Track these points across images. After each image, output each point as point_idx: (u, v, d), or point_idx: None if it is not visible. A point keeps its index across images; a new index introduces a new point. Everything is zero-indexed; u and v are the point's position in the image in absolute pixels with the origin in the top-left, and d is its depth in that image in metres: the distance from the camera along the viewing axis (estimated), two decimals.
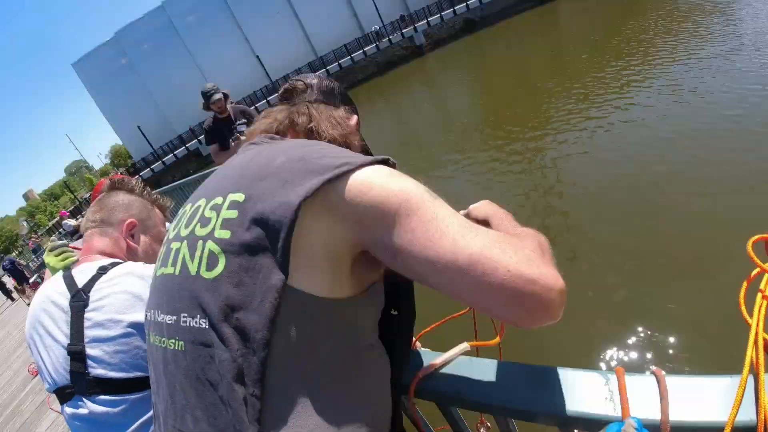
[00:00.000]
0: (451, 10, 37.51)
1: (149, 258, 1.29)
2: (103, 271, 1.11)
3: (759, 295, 0.84)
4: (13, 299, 16.70)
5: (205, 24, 44.19)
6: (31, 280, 10.12)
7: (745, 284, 0.89)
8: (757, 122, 5.16)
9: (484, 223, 0.77)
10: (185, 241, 0.65)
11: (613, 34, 13.76)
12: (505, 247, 0.54)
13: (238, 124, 4.31)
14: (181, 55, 44.26)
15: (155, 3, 44.28)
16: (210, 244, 0.61)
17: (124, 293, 1.05)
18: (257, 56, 43.74)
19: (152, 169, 36.13)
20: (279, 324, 0.57)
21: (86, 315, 1.04)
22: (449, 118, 13.07)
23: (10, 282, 17.91)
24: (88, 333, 1.02)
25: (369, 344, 0.68)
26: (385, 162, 0.66)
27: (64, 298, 1.09)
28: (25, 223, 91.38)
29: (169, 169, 36.13)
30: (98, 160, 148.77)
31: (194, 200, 0.71)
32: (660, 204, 4.41)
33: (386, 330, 0.75)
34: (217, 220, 0.62)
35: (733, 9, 11.42)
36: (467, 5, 37.52)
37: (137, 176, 35.54)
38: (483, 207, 0.84)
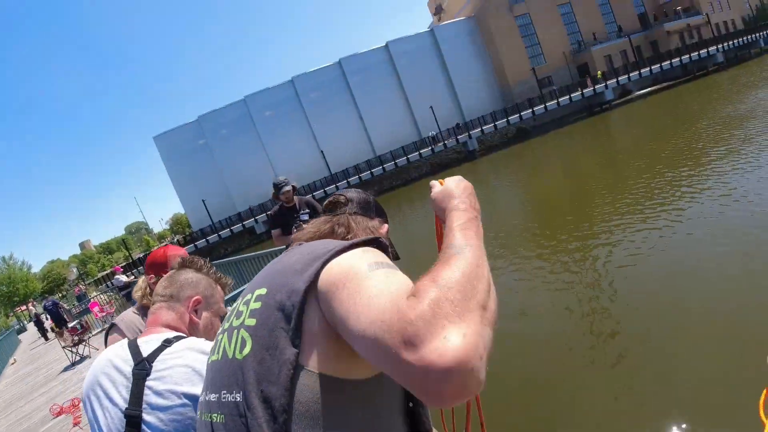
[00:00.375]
0: (505, 120, 39.64)
1: (208, 332, 1.37)
2: (167, 343, 1.18)
3: None
4: (47, 338, 17.31)
5: (279, 119, 49.09)
6: (70, 325, 10.68)
7: (764, 393, 1.17)
8: None
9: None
10: (226, 332, 0.80)
11: (664, 144, 14.19)
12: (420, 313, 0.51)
13: (302, 213, 4.61)
14: (253, 143, 48.72)
15: (238, 96, 49.68)
16: (242, 332, 0.75)
17: (185, 367, 1.11)
18: (321, 150, 47.43)
19: (207, 240, 38.23)
20: (295, 393, 0.66)
21: (147, 383, 1.10)
22: (498, 218, 13.44)
23: (48, 322, 18.81)
24: (147, 400, 1.08)
25: (387, 426, 0.74)
26: (371, 242, 0.78)
27: (127, 365, 1.15)
28: (75, 270, 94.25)
29: (223, 241, 38.17)
30: (158, 224, 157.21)
31: (243, 296, 0.86)
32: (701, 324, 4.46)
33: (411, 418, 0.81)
34: (246, 311, 0.77)
35: None
36: (520, 116, 39.63)
37: (192, 247, 37.59)
38: (455, 215, 0.80)
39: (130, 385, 1.11)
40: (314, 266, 0.70)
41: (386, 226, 1.11)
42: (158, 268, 2.14)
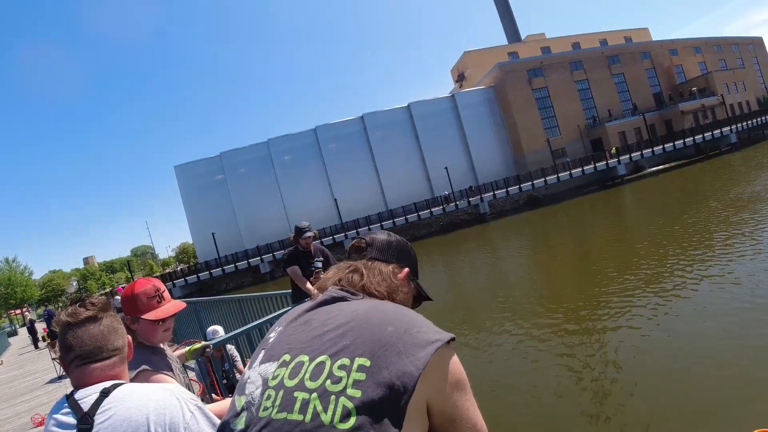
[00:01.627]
0: (518, 186, 40.29)
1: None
2: (105, 394, 1.15)
3: None
4: (37, 347, 17.21)
5: (298, 164, 50.43)
6: None
7: None
8: None
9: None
10: (315, 393, 0.78)
11: (674, 221, 14.52)
12: None
13: (315, 261, 4.83)
14: (270, 184, 49.83)
15: (260, 138, 51.30)
16: (343, 400, 0.75)
17: (124, 420, 1.11)
18: (335, 199, 48.32)
19: (211, 273, 38.39)
20: None
21: None
22: (502, 285, 13.47)
23: (41, 330, 18.64)
24: None
25: None
26: (453, 339, 0.89)
27: (71, 419, 1.14)
28: (75, 283, 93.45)
29: (226, 276, 38.27)
30: (165, 250, 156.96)
31: (310, 352, 0.86)
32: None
33: None
34: (348, 379, 0.77)
35: None
36: (533, 184, 40.29)
37: (195, 278, 37.61)
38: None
39: None
40: (423, 354, 0.79)
41: (406, 270, 1.13)
42: (128, 307, 2.01)
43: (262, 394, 0.85)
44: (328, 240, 38.15)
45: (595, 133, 53.09)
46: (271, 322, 4.55)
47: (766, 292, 6.81)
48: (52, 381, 8.71)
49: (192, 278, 38.69)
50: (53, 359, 9.21)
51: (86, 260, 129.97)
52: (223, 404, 1.80)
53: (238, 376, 3.91)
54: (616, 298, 8.52)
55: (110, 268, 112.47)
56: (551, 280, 12.37)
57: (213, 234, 42.42)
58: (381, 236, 1.18)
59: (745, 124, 45.46)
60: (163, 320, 1.99)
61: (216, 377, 4.44)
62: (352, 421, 0.73)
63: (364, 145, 51.58)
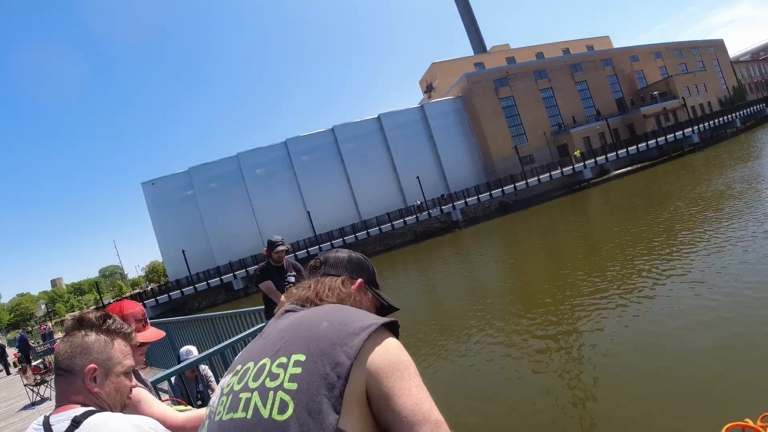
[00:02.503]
0: (488, 193, 40.99)
1: (115, 398, 1.29)
2: (75, 424, 1.12)
3: None
4: (9, 372, 16.50)
5: (269, 177, 49.90)
6: (33, 364, 10.30)
7: None
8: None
9: None
10: (256, 392, 0.83)
11: (639, 221, 15.10)
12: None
13: (288, 275, 4.79)
14: (241, 199, 49.11)
15: (230, 152, 50.56)
16: (281, 394, 0.80)
17: None
18: (308, 211, 47.99)
19: (182, 291, 37.38)
20: None
21: None
22: (476, 290, 13.64)
23: (11, 355, 17.89)
24: None
25: None
26: (393, 324, 0.92)
27: None
28: (43, 306, 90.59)
29: (198, 294, 37.37)
30: (134, 270, 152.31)
31: (256, 358, 0.91)
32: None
33: None
34: (285, 375, 0.82)
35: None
36: (503, 191, 41.06)
37: (166, 297, 36.69)
38: None
39: None
40: (356, 342, 0.83)
41: (358, 281, 1.20)
42: None
43: (217, 401, 0.91)
44: (302, 253, 37.85)
45: (561, 139, 54.55)
46: (245, 340, 4.50)
47: (731, 289, 7.11)
48: (25, 408, 8.40)
49: (163, 297, 37.63)
50: (25, 385, 8.89)
51: (54, 282, 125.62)
52: (199, 413, 1.83)
53: (213, 396, 3.86)
54: (587, 300, 8.75)
55: (78, 289, 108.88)
56: (524, 284, 12.60)
57: (183, 251, 41.45)
58: (336, 254, 1.26)
59: (706, 124, 47.02)
60: (142, 345, 1.99)
61: (190, 398, 4.37)
62: (289, 412, 0.77)
63: (335, 157, 51.55)
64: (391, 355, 0.85)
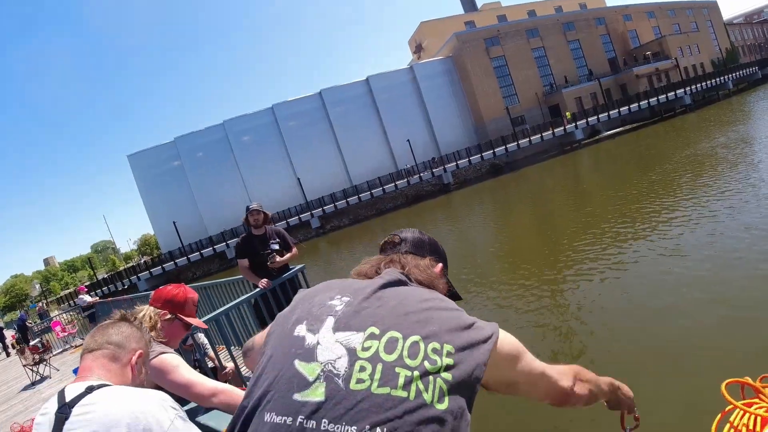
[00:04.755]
0: (479, 155, 40.77)
1: (141, 385, 1.41)
2: (89, 390, 1.21)
3: (727, 425, 1.27)
4: (8, 354, 16.60)
5: (257, 145, 49.25)
6: (31, 343, 10.37)
7: (719, 416, 1.32)
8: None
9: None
10: (416, 371, 0.79)
11: (629, 183, 15.02)
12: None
13: (271, 243, 4.59)
14: (229, 167, 48.58)
15: (216, 120, 49.67)
16: (440, 382, 0.78)
17: (102, 416, 1.15)
18: (298, 178, 47.50)
19: (176, 263, 37.39)
20: None
21: (65, 427, 1.14)
22: (470, 250, 13.70)
23: (9, 336, 18.05)
24: None
25: None
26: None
27: (53, 407, 1.21)
28: (38, 286, 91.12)
29: (192, 265, 37.39)
30: (126, 244, 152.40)
31: (402, 330, 0.85)
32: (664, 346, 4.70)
33: None
34: (441, 362, 0.80)
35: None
36: (494, 152, 40.89)
37: (160, 269, 36.70)
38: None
39: (52, 428, 1.16)
40: (486, 348, 0.86)
41: (440, 265, 1.17)
42: (175, 306, 2.17)
43: (352, 364, 0.80)
44: (294, 220, 37.72)
45: (553, 99, 54.02)
46: (238, 306, 4.42)
47: (725, 252, 7.16)
48: (25, 388, 8.38)
49: (157, 270, 37.57)
50: (24, 366, 8.84)
51: (47, 261, 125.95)
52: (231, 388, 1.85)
53: (210, 363, 3.81)
54: (580, 261, 8.79)
55: (71, 267, 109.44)
56: (516, 245, 12.64)
57: (174, 223, 41.10)
58: (413, 233, 1.22)
59: (699, 86, 46.80)
60: (190, 329, 2.22)
61: None
62: (446, 402, 0.77)
63: (324, 121, 50.77)
64: (509, 349, 0.94)
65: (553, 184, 23.85)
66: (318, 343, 0.84)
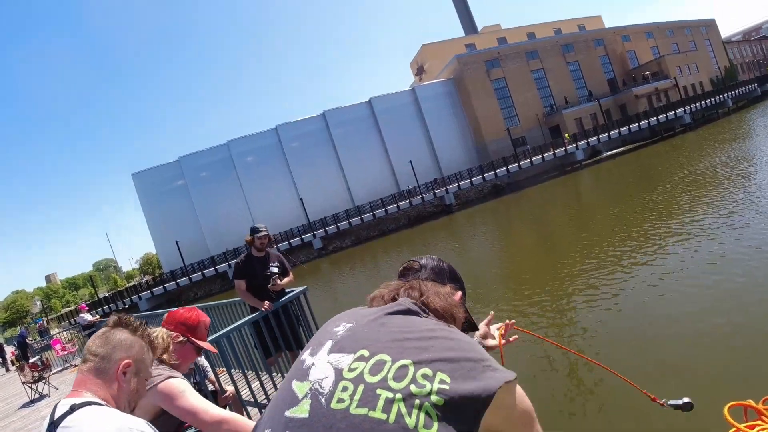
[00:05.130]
0: (481, 176, 40.97)
1: (133, 397, 1.38)
2: (71, 410, 1.20)
3: None
4: (8, 370, 16.54)
5: (261, 165, 49.65)
6: (31, 360, 10.32)
7: None
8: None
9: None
10: (399, 394, 0.76)
11: (629, 204, 15.10)
12: None
13: (271, 266, 4.58)
14: (233, 187, 48.90)
15: (220, 140, 50.14)
16: (427, 407, 0.75)
17: None
18: (301, 198, 47.79)
19: (177, 283, 37.27)
20: None
21: None
22: (472, 270, 13.68)
23: (9, 352, 18.02)
24: None
25: None
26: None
27: (45, 424, 1.22)
28: (39, 303, 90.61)
29: (194, 285, 37.28)
30: (128, 263, 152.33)
31: (391, 353, 0.84)
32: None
33: None
34: (432, 387, 0.77)
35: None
36: (495, 173, 41.04)
37: (162, 289, 36.62)
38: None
39: None
40: (494, 384, 0.80)
41: (459, 293, 1.16)
42: (188, 329, 2.19)
43: (336, 384, 0.81)
44: (296, 240, 37.75)
45: (553, 120, 54.46)
46: (240, 329, 4.43)
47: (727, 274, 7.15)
48: (24, 406, 8.36)
49: (158, 290, 37.47)
50: (23, 383, 8.83)
51: (48, 278, 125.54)
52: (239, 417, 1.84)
53: (210, 386, 3.81)
54: (579, 282, 8.78)
55: (73, 284, 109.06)
56: (518, 265, 12.63)
57: (177, 242, 41.21)
58: (432, 260, 1.21)
59: (698, 104, 46.91)
60: (201, 353, 2.20)
61: None
62: (434, 429, 0.72)
63: (327, 142, 51.25)
64: (523, 405, 0.88)
65: (554, 205, 23.89)
66: (313, 364, 0.87)
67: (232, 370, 4.21)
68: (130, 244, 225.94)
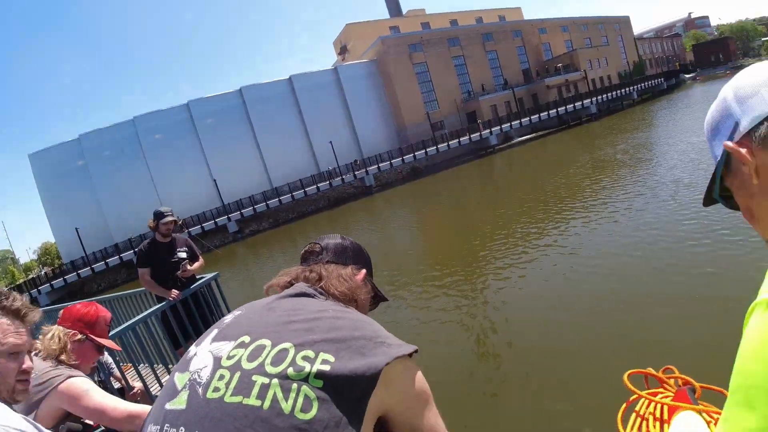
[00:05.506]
0: (401, 158, 41.74)
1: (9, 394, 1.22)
2: None
3: (633, 415, 1.30)
4: None
5: (170, 143, 46.35)
6: None
7: (624, 405, 1.36)
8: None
9: None
10: (276, 379, 0.74)
11: (538, 186, 16.24)
12: None
13: (178, 251, 4.39)
14: (138, 168, 45.31)
15: (126, 117, 46.18)
16: (306, 389, 0.73)
17: None
18: (214, 180, 45.14)
19: (79, 274, 34.15)
20: None
21: None
22: (391, 250, 13.98)
23: None
24: None
25: None
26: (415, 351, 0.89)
27: None
28: None
29: (96, 276, 34.36)
30: (26, 254, 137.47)
31: (272, 337, 0.81)
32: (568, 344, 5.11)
33: None
34: (311, 369, 0.75)
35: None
36: (414, 156, 42.05)
37: (62, 281, 33.48)
38: None
39: None
40: (384, 359, 0.79)
41: (363, 271, 1.13)
42: (86, 325, 2.06)
43: (213, 373, 0.78)
44: (209, 224, 35.91)
45: (470, 106, 56.47)
46: (145, 320, 4.21)
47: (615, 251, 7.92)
48: None
49: (59, 282, 33.85)
50: None
51: None
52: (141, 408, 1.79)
53: (116, 384, 3.61)
54: (496, 260, 9.31)
55: None
56: (434, 245, 13.13)
57: (77, 229, 37.51)
58: (334, 240, 1.17)
59: (604, 96, 51.12)
60: (102, 351, 2.08)
61: None
62: (314, 412, 0.71)
63: (243, 120, 49.07)
64: (418, 383, 0.86)
65: (469, 187, 25.03)
66: (195, 354, 0.85)
67: (140, 365, 4.01)
68: (28, 233, 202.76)
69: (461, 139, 44.06)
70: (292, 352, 0.78)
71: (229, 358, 0.80)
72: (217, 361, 0.80)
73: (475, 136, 43.92)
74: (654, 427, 1.21)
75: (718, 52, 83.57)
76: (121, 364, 3.73)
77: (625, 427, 1.26)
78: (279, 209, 38.01)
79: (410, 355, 0.85)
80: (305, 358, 0.76)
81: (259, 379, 0.75)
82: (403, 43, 54.68)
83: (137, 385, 3.62)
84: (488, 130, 44.32)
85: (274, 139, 49.30)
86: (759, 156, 0.63)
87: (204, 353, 0.84)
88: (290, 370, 0.75)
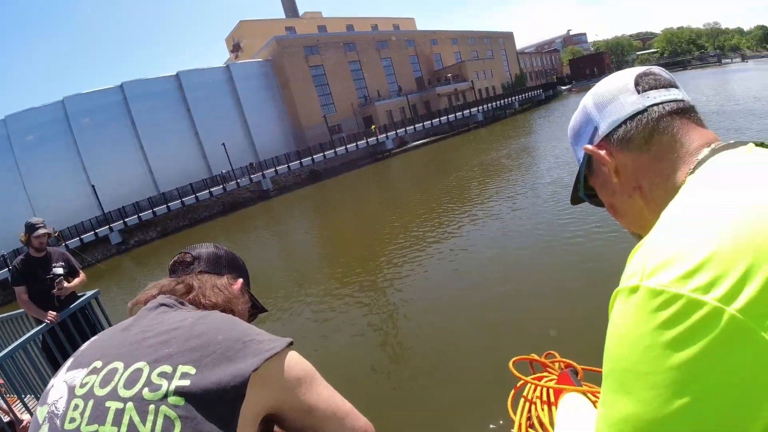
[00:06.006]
0: (298, 161, 41.45)
1: None
2: None
3: (522, 399, 1.36)
4: None
5: (42, 145, 40.82)
6: None
7: (512, 391, 1.43)
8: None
9: None
10: (130, 402, 0.70)
11: (432, 187, 17.34)
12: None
13: (54, 266, 4.15)
14: (8, 173, 39.44)
15: None
16: (164, 409, 0.68)
17: None
18: (93, 185, 39.57)
19: None
20: None
21: None
22: (291, 255, 13.94)
23: None
24: None
25: None
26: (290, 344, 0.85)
27: None
28: None
29: None
30: None
31: (125, 359, 0.77)
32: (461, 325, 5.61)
33: None
34: (169, 386, 0.70)
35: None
36: (313, 159, 42.09)
37: None
38: None
39: None
40: (256, 360, 0.75)
41: (240, 281, 1.10)
42: None
43: (68, 403, 0.75)
44: (89, 236, 31.93)
45: (367, 111, 57.69)
46: (24, 347, 3.92)
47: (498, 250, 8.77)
48: None
49: None
50: None
51: None
52: None
53: (6, 418, 3.34)
54: (394, 257, 9.82)
55: None
56: (335, 248, 13.40)
57: None
58: (207, 249, 1.11)
59: (490, 105, 56.91)
60: None
61: None
62: (177, 431, 0.67)
63: (125, 118, 44.84)
64: (294, 370, 0.82)
65: (367, 190, 25.72)
66: (53, 385, 0.81)
67: (26, 397, 3.73)
68: None
69: (359, 142, 45.04)
70: (146, 370, 0.74)
71: (82, 386, 0.76)
72: (71, 390, 0.77)
73: (372, 140, 45.29)
74: (542, 410, 1.25)
75: (593, 66, 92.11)
76: (6, 396, 3.45)
77: (515, 412, 1.31)
78: (168, 216, 35.34)
79: (284, 348, 0.83)
80: (162, 374, 0.72)
81: (113, 405, 0.71)
82: (298, 45, 54.24)
83: (26, 417, 3.39)
84: (384, 135, 45.88)
85: (160, 140, 45.80)
86: (618, 157, 0.68)
87: (59, 384, 0.80)
88: (145, 391, 0.71)
